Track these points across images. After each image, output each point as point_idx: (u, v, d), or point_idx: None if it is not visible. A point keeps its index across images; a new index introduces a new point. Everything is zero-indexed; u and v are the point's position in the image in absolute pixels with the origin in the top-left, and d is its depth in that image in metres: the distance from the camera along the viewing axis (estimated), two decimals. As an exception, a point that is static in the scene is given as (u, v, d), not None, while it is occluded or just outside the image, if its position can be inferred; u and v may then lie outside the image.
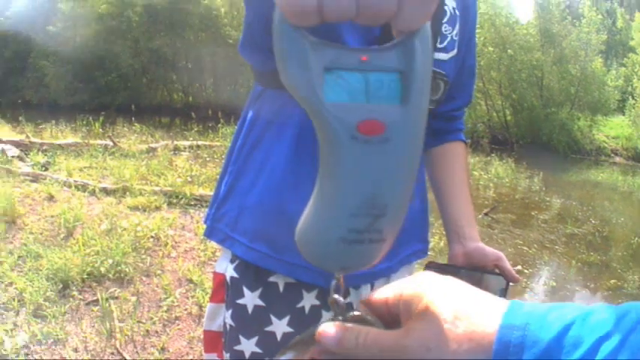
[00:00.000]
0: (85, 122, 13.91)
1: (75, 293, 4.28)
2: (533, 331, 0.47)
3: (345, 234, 0.53)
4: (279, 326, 1.28)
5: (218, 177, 1.44)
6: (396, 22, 0.48)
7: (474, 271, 1.38)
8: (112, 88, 23.94)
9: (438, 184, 1.57)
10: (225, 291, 1.36)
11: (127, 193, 7.25)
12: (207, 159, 11.03)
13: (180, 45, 23.43)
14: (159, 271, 4.84)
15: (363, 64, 0.49)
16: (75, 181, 7.60)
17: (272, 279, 1.29)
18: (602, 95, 22.03)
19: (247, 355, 1.29)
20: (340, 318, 0.58)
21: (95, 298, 4.22)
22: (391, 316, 0.57)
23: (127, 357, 3.59)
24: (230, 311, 1.32)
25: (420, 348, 0.51)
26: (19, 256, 4.90)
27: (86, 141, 10.98)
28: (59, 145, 10.53)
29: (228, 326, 1.33)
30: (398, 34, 0.50)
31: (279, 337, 1.27)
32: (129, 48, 23.29)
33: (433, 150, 1.58)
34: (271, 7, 0.48)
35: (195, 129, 14.54)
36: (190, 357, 3.71)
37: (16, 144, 10.04)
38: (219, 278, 1.39)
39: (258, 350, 1.28)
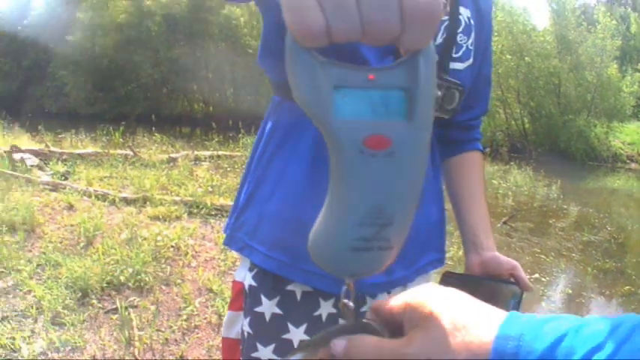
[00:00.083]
0: (105, 132, 13.99)
1: (94, 301, 4.29)
2: (528, 342, 0.48)
3: (353, 242, 0.55)
4: (296, 334, 1.28)
5: (238, 186, 1.46)
6: (401, 43, 0.49)
7: (489, 280, 1.39)
8: (132, 98, 24.08)
9: (455, 194, 1.57)
10: (244, 299, 1.37)
11: (148, 202, 7.28)
12: (228, 169, 11.05)
13: (200, 55, 23.50)
14: (179, 281, 4.84)
15: (370, 82, 0.51)
16: (95, 190, 7.65)
17: (290, 287, 1.30)
18: (618, 101, 21.86)
19: (264, 362, 1.30)
20: (349, 322, 0.61)
21: (114, 306, 4.23)
22: (396, 325, 0.59)
23: (146, 365, 3.61)
24: (248, 319, 1.33)
25: (419, 357, 0.52)
26: (37, 265, 4.93)
27: (106, 151, 11.06)
28: (79, 154, 10.61)
29: (245, 334, 1.34)
30: (404, 53, 0.52)
31: (295, 344, 1.28)
32: (149, 58, 23.38)
33: (451, 160, 1.58)
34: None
35: (216, 139, 14.52)
36: (209, 365, 3.72)
37: (36, 153, 10.09)
38: (238, 286, 1.40)
39: (274, 357, 1.29)
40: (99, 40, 23.69)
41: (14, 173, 8.31)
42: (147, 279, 4.70)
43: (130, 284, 4.61)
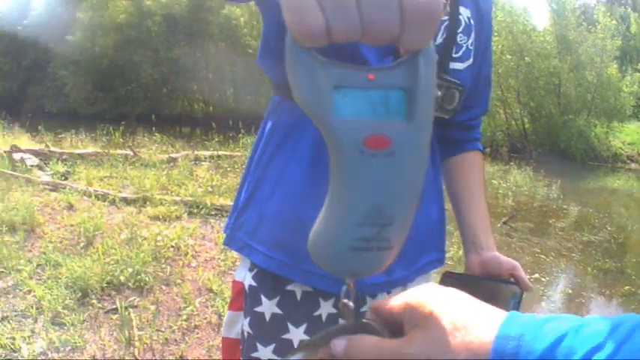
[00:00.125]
0: (105, 132, 14.01)
1: (94, 301, 4.29)
2: (528, 342, 0.48)
3: (353, 242, 0.55)
4: (296, 334, 1.29)
5: (238, 186, 1.46)
6: (401, 43, 0.50)
7: (489, 280, 1.39)
8: (132, 98, 24.10)
9: (455, 194, 1.57)
10: (244, 299, 1.37)
11: (148, 202, 7.29)
12: (228, 169, 11.06)
13: (200, 55, 23.51)
14: (179, 281, 4.85)
15: (370, 82, 0.51)
16: (95, 190, 7.66)
17: (290, 287, 1.30)
18: (618, 101, 21.89)
19: (264, 362, 1.31)
20: (349, 321, 0.61)
21: (114, 306, 4.23)
22: (396, 325, 0.59)
23: (146, 365, 3.61)
24: (248, 319, 1.33)
25: (419, 357, 0.53)
26: (37, 265, 4.93)
27: (106, 151, 11.07)
28: (79, 154, 10.63)
29: (245, 334, 1.34)
30: (404, 53, 0.52)
31: (295, 344, 1.28)
32: (149, 58, 23.39)
33: (451, 160, 1.58)
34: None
35: (216, 139, 14.55)
36: (209, 365, 3.73)
37: (36, 153, 10.10)
38: (238, 286, 1.40)
39: (274, 357, 1.29)
40: (99, 40, 23.71)
41: (14, 173, 8.32)
42: (147, 279, 4.71)
43: (130, 284, 4.61)
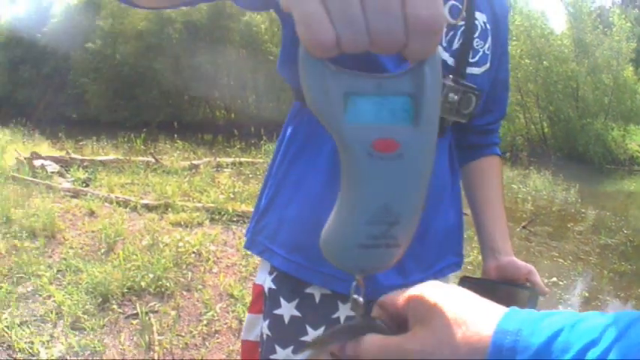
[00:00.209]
0: (126, 139, 14.07)
1: (114, 307, 4.32)
2: (525, 337, 0.50)
3: (362, 239, 0.57)
4: (314, 336, 1.30)
5: (260, 191, 1.48)
6: (406, 53, 0.51)
7: (506, 284, 1.40)
8: (153, 105, 24.11)
9: (473, 198, 1.58)
10: (264, 302, 1.38)
11: (169, 209, 7.33)
12: (250, 176, 11.09)
13: (221, 62, 23.47)
14: (200, 286, 4.86)
15: (379, 89, 0.54)
16: (116, 197, 7.70)
17: (308, 290, 1.31)
18: (635, 104, 21.72)
19: (282, 364, 1.32)
20: (356, 319, 0.64)
21: (135, 311, 4.26)
22: (402, 319, 0.62)
23: (166, 369, 3.63)
24: (267, 321, 1.35)
25: (421, 351, 0.55)
26: (58, 270, 4.97)
27: (128, 157, 11.12)
28: (100, 161, 10.68)
29: (265, 336, 1.36)
30: (411, 62, 0.54)
31: (314, 347, 1.29)
32: (169, 65, 23.38)
33: (470, 164, 1.59)
34: None
35: (238, 146, 14.57)
36: (229, 370, 3.74)
37: (56, 160, 10.17)
38: (258, 289, 1.42)
39: (292, 359, 1.31)
40: (119, 48, 23.84)
41: (34, 180, 8.39)
42: (168, 284, 4.73)
43: (150, 289, 4.63)
